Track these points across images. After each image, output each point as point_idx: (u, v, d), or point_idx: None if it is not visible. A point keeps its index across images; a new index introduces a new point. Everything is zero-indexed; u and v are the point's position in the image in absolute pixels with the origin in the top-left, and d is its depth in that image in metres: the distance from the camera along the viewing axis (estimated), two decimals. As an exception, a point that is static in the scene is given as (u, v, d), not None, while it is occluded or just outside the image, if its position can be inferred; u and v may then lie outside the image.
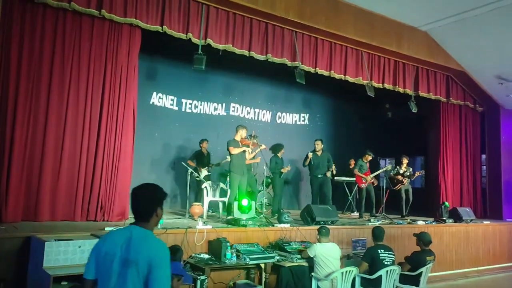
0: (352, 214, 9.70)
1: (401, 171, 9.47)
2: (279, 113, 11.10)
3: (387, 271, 5.11)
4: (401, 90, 9.11)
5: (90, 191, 5.93)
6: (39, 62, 5.64)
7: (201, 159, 8.52)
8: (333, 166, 9.00)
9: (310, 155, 8.28)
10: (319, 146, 8.40)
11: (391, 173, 9.62)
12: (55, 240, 4.05)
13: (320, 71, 7.94)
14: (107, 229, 4.85)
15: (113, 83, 6.16)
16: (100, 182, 5.97)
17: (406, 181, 9.37)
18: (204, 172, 8.33)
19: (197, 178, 7.96)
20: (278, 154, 8.20)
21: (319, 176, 8.34)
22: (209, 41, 6.76)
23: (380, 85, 8.79)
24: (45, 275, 3.75)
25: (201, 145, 8.64)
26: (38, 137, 5.61)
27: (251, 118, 10.60)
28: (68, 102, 5.83)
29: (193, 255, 5.26)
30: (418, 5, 8.09)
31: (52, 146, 5.69)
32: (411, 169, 9.60)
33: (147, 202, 2.31)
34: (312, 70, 7.85)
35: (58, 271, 3.81)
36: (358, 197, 9.53)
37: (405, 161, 9.54)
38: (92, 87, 6.01)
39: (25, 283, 4.28)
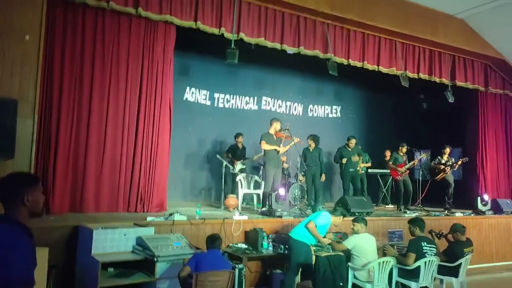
0: (386, 206, 9.58)
1: (443, 161, 9.18)
2: (310, 106, 11.07)
3: (425, 262, 5.05)
4: (437, 79, 8.88)
5: (130, 184, 6.16)
6: (80, 61, 5.89)
7: (236, 152, 8.64)
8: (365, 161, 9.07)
9: (344, 160, 8.43)
10: (352, 143, 8.45)
11: (432, 164, 9.33)
12: (102, 228, 4.26)
13: (353, 62, 7.87)
14: (149, 219, 5.06)
15: (150, 79, 6.36)
16: (140, 175, 6.20)
17: (448, 170, 9.08)
18: (239, 165, 8.45)
19: (232, 171, 8.09)
20: (308, 147, 8.22)
21: (350, 170, 8.39)
22: (242, 35, 6.83)
23: (415, 75, 8.61)
24: (93, 261, 3.96)
25: (236, 139, 8.76)
26: (81, 132, 5.87)
27: (283, 111, 10.62)
28: (109, 99, 6.07)
29: (230, 244, 5.39)
30: (454, -8, 7.88)
31: (95, 141, 5.94)
32: (453, 159, 9.30)
33: None
34: (344, 61, 7.80)
35: (106, 258, 4.02)
36: (394, 190, 9.37)
37: (447, 150, 9.24)
38: (130, 83, 6.23)
39: (74, 269, 4.52)
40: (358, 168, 8.63)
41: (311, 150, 8.18)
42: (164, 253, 4.07)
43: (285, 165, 8.92)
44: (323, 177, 8.21)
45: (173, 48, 6.62)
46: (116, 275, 4.11)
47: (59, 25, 5.74)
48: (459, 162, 9.22)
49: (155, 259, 3.98)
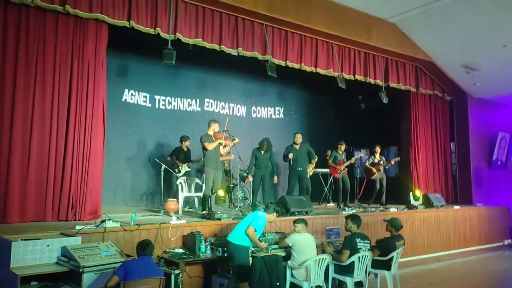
0: (328, 204, 9.83)
1: (376, 161, 9.61)
2: (254, 107, 11.13)
3: (359, 257, 5.22)
4: (372, 81, 9.26)
5: (60, 191, 5.82)
6: (1, 61, 5.49)
7: (181, 155, 8.47)
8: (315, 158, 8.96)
9: (291, 155, 8.04)
10: (299, 139, 8.25)
11: (367, 164, 9.75)
12: (22, 240, 3.98)
13: (290, 64, 7.99)
14: (78, 227, 4.79)
15: (80, 80, 6.05)
16: (71, 182, 5.87)
17: (381, 169, 9.54)
18: (184, 168, 8.29)
19: (178, 174, 7.91)
20: (260, 150, 8.16)
21: (298, 169, 8.17)
22: (179, 35, 6.72)
23: (352, 77, 8.91)
24: (12, 275, 3.69)
25: (183, 142, 8.57)
26: (4, 138, 5.46)
27: (226, 113, 10.58)
28: (34, 100, 5.69)
29: (167, 250, 5.26)
30: (386, -3, 8.24)
31: (19, 146, 5.55)
32: (383, 158, 9.78)
33: None
34: (282, 63, 7.90)
35: (26, 271, 3.77)
36: (334, 187, 9.65)
37: (378, 150, 9.68)
38: (58, 85, 5.89)
39: (-6, 285, 4.21)
40: (308, 171, 8.65)
41: (262, 152, 8.10)
42: (91, 263, 3.87)
43: (227, 158, 8.37)
44: (275, 178, 8.22)
45: (105, 48, 6.36)
46: (38, 289, 3.86)
47: (-25, 22, 5.32)
48: (392, 162, 9.74)
49: (81, 270, 3.78)
